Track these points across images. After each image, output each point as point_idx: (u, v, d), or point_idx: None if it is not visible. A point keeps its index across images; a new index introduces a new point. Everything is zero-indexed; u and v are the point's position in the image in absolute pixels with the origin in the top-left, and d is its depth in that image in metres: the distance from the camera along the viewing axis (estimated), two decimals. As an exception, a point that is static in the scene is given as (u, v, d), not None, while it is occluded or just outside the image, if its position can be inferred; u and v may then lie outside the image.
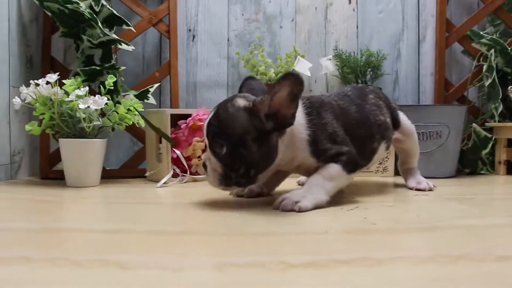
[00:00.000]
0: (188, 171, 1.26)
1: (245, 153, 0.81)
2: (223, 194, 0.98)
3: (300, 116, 0.87)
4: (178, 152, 1.24)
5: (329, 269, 0.50)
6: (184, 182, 1.23)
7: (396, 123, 1.09)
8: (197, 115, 1.27)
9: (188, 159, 1.29)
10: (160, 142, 1.27)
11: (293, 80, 0.78)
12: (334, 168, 0.87)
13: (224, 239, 0.64)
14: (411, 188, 1.13)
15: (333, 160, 0.88)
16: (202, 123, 1.25)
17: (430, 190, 1.09)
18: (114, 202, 0.96)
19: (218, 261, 0.53)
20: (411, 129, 1.12)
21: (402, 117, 1.11)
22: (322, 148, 0.88)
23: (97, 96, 1.14)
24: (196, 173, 1.31)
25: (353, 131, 0.94)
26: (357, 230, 0.70)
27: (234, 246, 0.60)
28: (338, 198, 0.98)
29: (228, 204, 0.92)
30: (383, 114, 1.03)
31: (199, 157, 1.30)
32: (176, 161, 1.26)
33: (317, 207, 0.84)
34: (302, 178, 1.20)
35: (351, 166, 0.89)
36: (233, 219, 0.79)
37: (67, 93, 1.14)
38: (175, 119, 1.28)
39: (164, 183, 1.17)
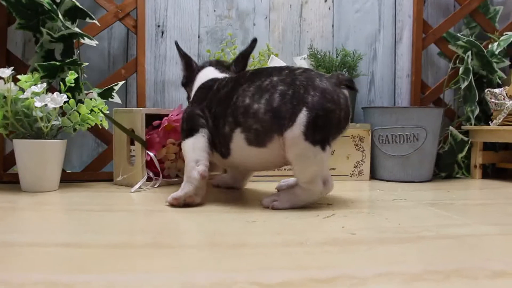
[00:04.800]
0: (161, 174, 1.19)
1: None
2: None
3: None
4: (152, 154, 1.16)
5: (308, 290, 0.45)
6: (157, 186, 1.16)
7: (289, 123, 0.83)
8: (172, 115, 1.20)
9: (160, 161, 1.22)
10: (132, 144, 1.19)
11: None
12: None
13: (193, 252, 0.58)
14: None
15: None
16: (177, 124, 1.17)
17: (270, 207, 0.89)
18: (74, 209, 0.88)
19: (184, 281, 0.47)
20: (292, 139, 0.82)
21: (300, 118, 0.81)
22: None
23: (55, 93, 1.05)
24: (169, 176, 1.24)
25: (211, 107, 0.94)
26: (336, 241, 0.64)
27: (203, 260, 0.54)
28: (313, 204, 0.92)
29: (203, 210, 0.85)
30: (258, 100, 0.85)
31: (172, 160, 1.23)
32: (148, 163, 1.18)
33: (187, 195, 0.89)
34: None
35: (185, 133, 0.95)
36: (205, 227, 0.73)
37: (22, 90, 1.05)
38: (147, 119, 1.20)
39: (138, 187, 1.10)
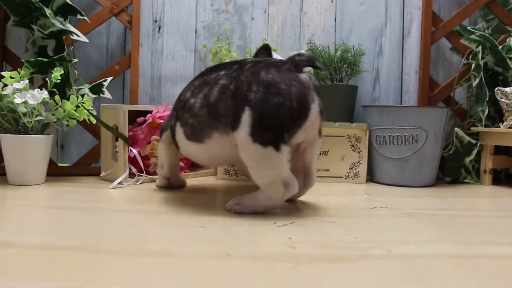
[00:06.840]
0: (144, 171, 1.18)
1: None
2: (179, 197, 0.91)
3: None
4: (135, 151, 1.16)
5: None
6: (140, 183, 1.16)
7: (234, 123, 0.78)
8: (157, 112, 1.19)
9: (145, 158, 1.22)
10: (117, 140, 1.20)
11: None
12: None
13: (110, 260, 0.55)
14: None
15: None
16: (162, 121, 1.17)
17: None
18: (50, 206, 0.89)
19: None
20: (240, 142, 0.77)
21: (244, 119, 0.76)
22: None
23: (36, 90, 1.06)
24: (155, 173, 1.23)
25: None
26: (266, 256, 0.60)
27: (123, 272, 0.51)
28: (280, 211, 0.88)
29: (162, 212, 0.83)
30: (196, 94, 0.84)
31: (157, 156, 1.22)
32: (133, 160, 1.18)
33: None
34: None
35: (160, 134, 1.05)
36: (148, 232, 0.70)
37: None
38: (134, 115, 1.20)
39: (118, 183, 1.10)
